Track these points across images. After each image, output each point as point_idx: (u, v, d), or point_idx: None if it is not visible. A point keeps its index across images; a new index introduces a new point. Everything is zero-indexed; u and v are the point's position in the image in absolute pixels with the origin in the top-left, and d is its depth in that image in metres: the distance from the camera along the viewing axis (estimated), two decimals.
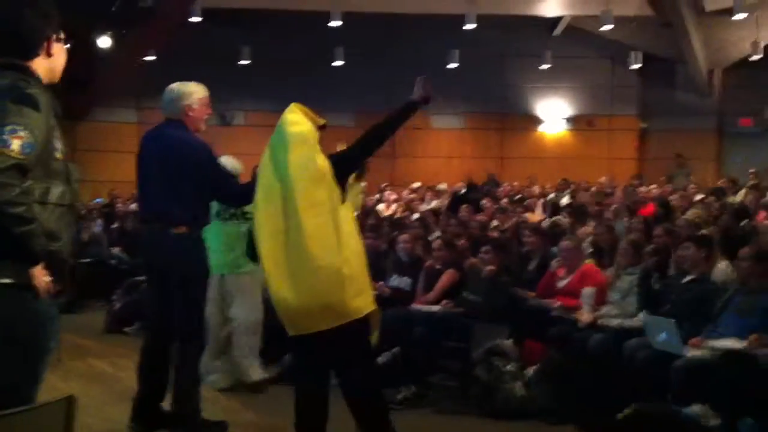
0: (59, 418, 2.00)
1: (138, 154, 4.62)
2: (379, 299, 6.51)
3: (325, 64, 18.02)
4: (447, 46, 17.85)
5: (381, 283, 6.91)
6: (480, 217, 9.06)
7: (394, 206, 13.34)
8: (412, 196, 13.92)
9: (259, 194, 4.02)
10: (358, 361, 4.03)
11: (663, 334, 4.96)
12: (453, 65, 17.94)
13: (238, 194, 4.65)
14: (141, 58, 16.74)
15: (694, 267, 5.57)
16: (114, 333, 8.39)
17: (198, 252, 4.51)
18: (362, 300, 3.90)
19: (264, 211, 3.95)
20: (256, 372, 6.02)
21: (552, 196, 13.14)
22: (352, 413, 4.05)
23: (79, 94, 15.50)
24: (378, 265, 7.34)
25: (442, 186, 14.99)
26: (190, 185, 4.41)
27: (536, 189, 13.93)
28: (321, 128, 4.08)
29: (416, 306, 6.45)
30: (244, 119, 19.46)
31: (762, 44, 16.25)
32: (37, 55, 2.61)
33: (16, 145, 2.33)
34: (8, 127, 2.34)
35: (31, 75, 2.54)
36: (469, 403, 5.82)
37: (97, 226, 12.08)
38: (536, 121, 19.18)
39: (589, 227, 9.05)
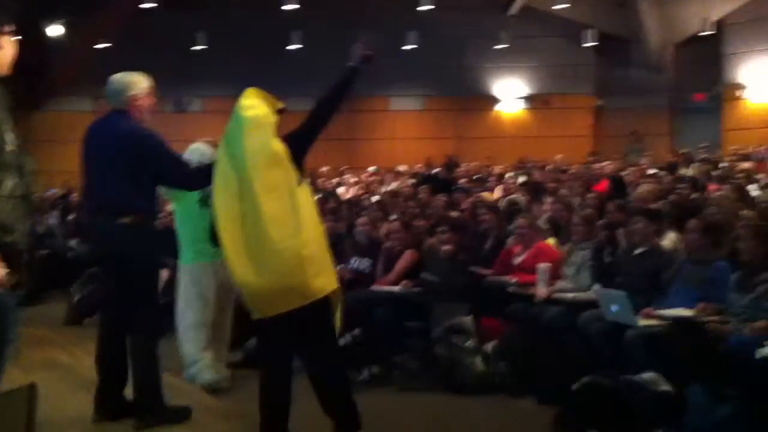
0: (21, 407, 2.02)
1: (83, 145, 4.60)
2: (341, 282, 6.64)
3: (282, 48, 17.93)
4: (404, 28, 17.88)
5: (341, 266, 6.98)
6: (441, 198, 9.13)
7: (353, 189, 13.40)
8: (371, 178, 13.96)
9: (217, 180, 4.08)
10: (322, 339, 4.13)
11: (615, 306, 5.10)
12: (410, 47, 17.97)
13: (190, 178, 4.65)
14: (95, 46, 16.52)
15: (643, 240, 5.72)
16: (74, 324, 8.34)
17: (146, 242, 4.47)
18: (323, 279, 3.99)
19: (222, 197, 4.01)
20: None
21: (510, 175, 13.29)
22: (316, 393, 4.15)
23: (33, 83, 15.26)
24: (338, 247, 7.41)
25: (402, 167, 15.06)
26: (137, 174, 4.39)
27: (495, 169, 14.05)
28: (280, 112, 4.15)
29: (377, 287, 6.52)
30: (201, 105, 19.31)
31: (712, 20, 16.56)
32: None
33: None
34: None
35: None
36: (431, 381, 5.93)
37: (53, 218, 11.92)
38: (493, 101, 19.33)
39: (545, 205, 9.26)
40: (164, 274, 8.64)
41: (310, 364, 4.14)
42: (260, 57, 17.98)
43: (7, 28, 2.67)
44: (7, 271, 2.48)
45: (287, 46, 17.95)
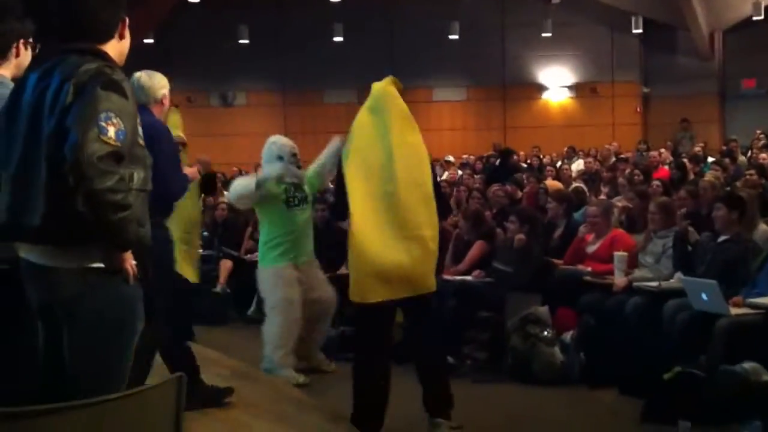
0: (170, 398, 2.01)
1: None
2: None
3: (324, 41, 17.92)
4: (447, 19, 17.77)
5: None
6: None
7: None
8: None
9: (356, 163, 4.17)
10: (433, 325, 4.42)
11: (703, 295, 4.97)
12: (453, 37, 17.86)
13: (180, 185, 4.28)
14: (139, 40, 16.62)
15: (726, 228, 5.58)
16: None
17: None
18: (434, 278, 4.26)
19: (362, 178, 4.13)
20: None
21: (560, 163, 13.12)
22: (420, 377, 4.31)
23: None
24: None
25: (450, 158, 14.97)
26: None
27: (546, 158, 13.90)
28: None
29: (447, 276, 6.46)
30: (245, 99, 19.39)
31: (763, 4, 16.20)
32: (112, 38, 2.59)
33: (111, 132, 2.32)
34: (103, 114, 2.32)
35: (112, 61, 2.52)
36: (503, 372, 5.86)
37: None
38: (539, 89, 19.14)
39: (602, 194, 9.15)
40: (227, 264, 8.70)
41: (419, 348, 4.34)
42: (302, 49, 18.00)
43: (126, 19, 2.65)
44: (135, 264, 2.47)
45: (329, 39, 17.92)
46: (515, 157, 12.64)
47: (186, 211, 4.67)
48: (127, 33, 2.64)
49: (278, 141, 5.93)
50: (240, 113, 18.97)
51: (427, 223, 4.07)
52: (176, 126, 4.73)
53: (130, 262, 2.45)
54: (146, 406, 2.00)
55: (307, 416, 4.64)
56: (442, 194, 4.60)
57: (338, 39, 17.95)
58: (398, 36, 18.29)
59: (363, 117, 4.28)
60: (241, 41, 17.89)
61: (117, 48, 2.61)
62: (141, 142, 2.51)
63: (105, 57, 2.50)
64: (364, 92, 4.74)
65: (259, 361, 5.79)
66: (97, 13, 2.54)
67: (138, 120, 2.49)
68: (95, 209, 2.28)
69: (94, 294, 2.41)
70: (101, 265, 2.42)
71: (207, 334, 7.09)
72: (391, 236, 4.01)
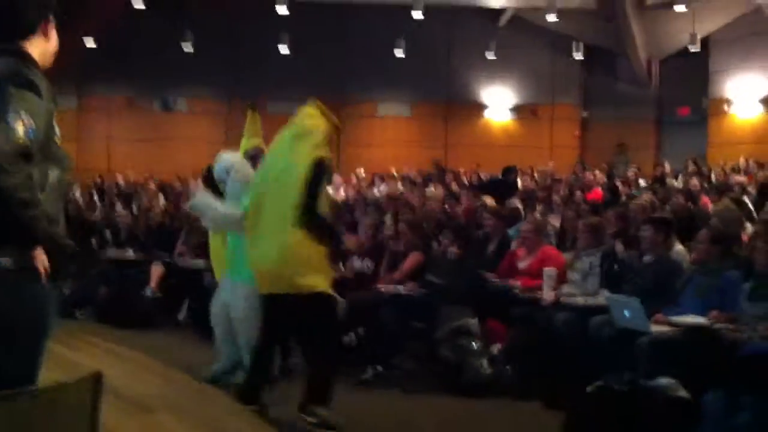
0: (86, 396, 2.00)
1: None
2: (342, 282, 6.64)
3: (271, 53, 17.88)
4: (394, 35, 17.92)
5: (340, 265, 6.97)
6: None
7: (342, 191, 13.40)
8: (362, 182, 13.96)
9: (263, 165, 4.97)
10: (321, 333, 4.78)
11: (626, 312, 5.11)
12: (400, 54, 18.01)
13: None
14: (80, 44, 16.34)
15: (652, 248, 5.75)
16: (66, 317, 8.23)
17: None
18: (315, 279, 4.61)
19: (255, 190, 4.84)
20: None
21: None
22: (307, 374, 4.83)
23: None
24: (336, 247, 7.38)
25: (393, 172, 15.08)
26: None
27: (485, 175, 14.10)
28: (336, 129, 4.85)
29: (381, 287, 6.50)
30: (186, 105, 19.20)
31: (699, 36, 16.77)
32: (33, 35, 2.56)
33: (20, 130, 2.31)
34: (12, 113, 2.31)
35: (30, 60, 2.50)
36: (434, 382, 5.91)
37: None
38: (481, 108, 19.43)
39: (536, 212, 9.34)
40: (158, 269, 8.59)
41: (306, 352, 5.02)
42: (247, 60, 17.93)
43: (53, 18, 2.63)
44: (48, 263, 2.45)
45: (275, 50, 17.86)
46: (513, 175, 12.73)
47: None
48: (53, 33, 2.61)
49: (245, 165, 5.67)
50: (182, 119, 18.78)
51: (290, 230, 4.50)
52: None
53: (41, 259, 2.43)
54: (59, 404, 1.97)
55: (235, 422, 4.63)
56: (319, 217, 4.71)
57: (285, 51, 17.92)
58: (346, 50, 18.36)
59: (282, 131, 4.84)
60: (185, 47, 17.72)
61: (41, 47, 2.58)
62: (57, 140, 2.50)
63: (24, 56, 2.49)
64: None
65: (187, 364, 5.73)
66: (20, 11, 2.53)
67: (53, 118, 2.48)
68: (1, 206, 2.27)
69: (3, 292, 2.38)
70: (13, 263, 2.39)
71: (137, 338, 7.00)
72: (260, 236, 4.62)
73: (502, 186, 11.60)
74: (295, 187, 4.50)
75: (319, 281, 4.62)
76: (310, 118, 4.70)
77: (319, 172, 4.54)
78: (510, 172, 12.57)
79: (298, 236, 4.50)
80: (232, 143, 7.50)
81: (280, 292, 4.62)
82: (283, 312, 4.73)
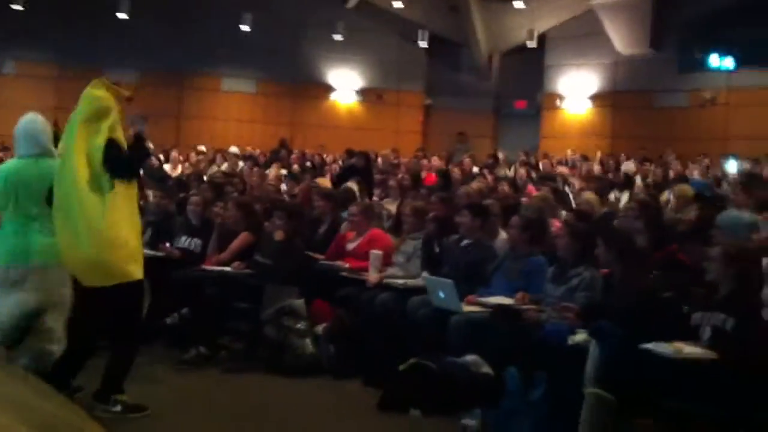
0: None
1: None
2: (170, 260, 6.50)
3: (108, 16, 17.08)
4: (239, 8, 17.60)
5: (167, 244, 6.84)
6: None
7: (180, 167, 13.10)
8: (200, 158, 13.69)
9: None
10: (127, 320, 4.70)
11: (442, 293, 5.35)
12: (245, 28, 17.72)
13: None
14: None
15: (469, 233, 6.03)
16: None
17: None
18: (134, 267, 4.49)
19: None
20: None
21: (341, 162, 13.45)
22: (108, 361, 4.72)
23: None
24: (167, 226, 7.24)
25: (234, 149, 14.85)
26: None
27: (329, 157, 14.19)
28: (128, 100, 4.55)
29: (207, 266, 6.44)
30: (14, 68, 18.06)
31: (536, 32, 17.59)
32: None
33: None
34: None
35: None
36: (258, 362, 5.94)
37: None
38: (328, 90, 19.49)
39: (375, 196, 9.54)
40: None
41: (113, 339, 4.76)
42: (83, 24, 17.06)
43: None
44: None
45: (112, 15, 17.06)
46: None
47: None
48: None
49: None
50: (8, 83, 17.65)
51: (81, 224, 4.32)
52: None
53: None
54: None
55: (41, 402, 4.47)
56: None
57: (123, 16, 17.15)
58: (190, 19, 17.79)
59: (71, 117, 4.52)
60: (15, 6, 16.60)
61: None
62: None
63: None
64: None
65: None
66: None
67: None
68: None
69: None
70: None
71: None
72: (68, 232, 4.37)
73: (364, 172, 11.64)
74: (74, 177, 4.36)
75: (136, 269, 4.52)
76: (98, 101, 4.45)
77: (116, 151, 4.44)
78: (354, 155, 12.65)
79: (108, 221, 4.37)
80: (64, 110, 7.13)
81: (85, 284, 4.49)
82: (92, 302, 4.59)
